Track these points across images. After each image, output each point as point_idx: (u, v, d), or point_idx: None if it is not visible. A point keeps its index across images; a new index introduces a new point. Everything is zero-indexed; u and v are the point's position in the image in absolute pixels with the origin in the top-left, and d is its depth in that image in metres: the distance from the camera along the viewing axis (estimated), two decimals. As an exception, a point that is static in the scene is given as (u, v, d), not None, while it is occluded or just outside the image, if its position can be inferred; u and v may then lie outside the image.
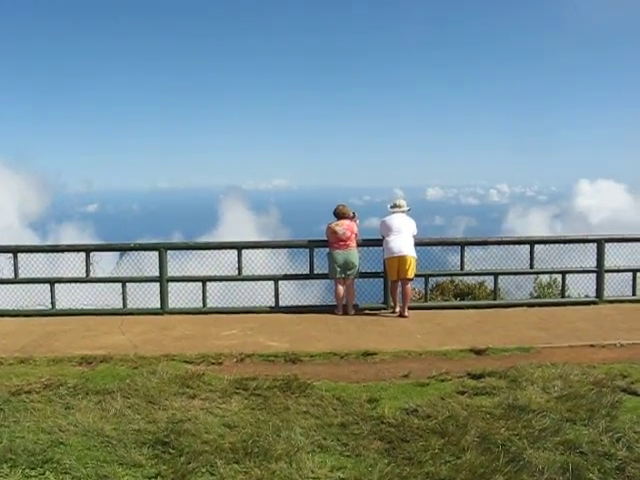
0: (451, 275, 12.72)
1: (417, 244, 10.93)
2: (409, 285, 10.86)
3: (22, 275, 11.53)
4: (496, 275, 11.68)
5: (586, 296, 12.19)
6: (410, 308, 10.94)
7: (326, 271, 11.22)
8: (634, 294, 12.09)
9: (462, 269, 11.52)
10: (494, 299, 11.73)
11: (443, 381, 7.21)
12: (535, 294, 14.40)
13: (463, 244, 11.50)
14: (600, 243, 11.78)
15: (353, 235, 10.97)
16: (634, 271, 12.06)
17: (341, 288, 11.04)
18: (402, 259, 10.61)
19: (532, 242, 11.71)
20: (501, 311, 11.24)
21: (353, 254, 10.93)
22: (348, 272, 10.96)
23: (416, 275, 10.95)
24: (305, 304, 11.62)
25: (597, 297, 11.87)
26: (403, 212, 11.05)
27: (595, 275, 11.94)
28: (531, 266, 11.68)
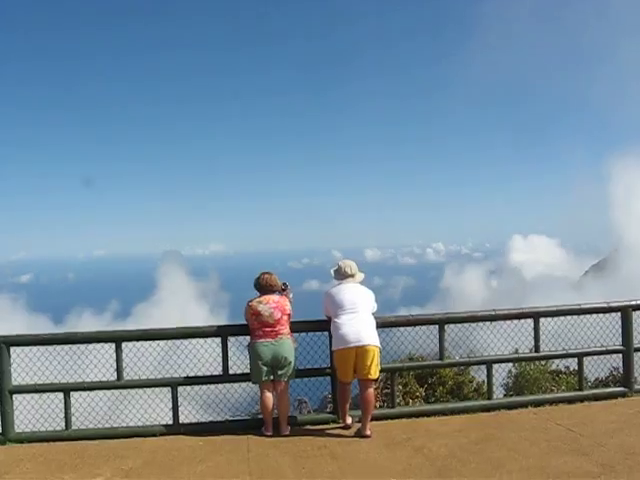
0: (430, 367, 9.14)
1: (379, 326, 7.50)
2: (372, 389, 7.32)
3: None
4: (490, 364, 8.27)
5: (602, 381, 9.08)
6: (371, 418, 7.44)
7: (248, 370, 7.63)
8: (673, 380, 8.89)
9: (442, 358, 8.05)
10: (488, 397, 8.28)
11: None
12: (515, 371, 11.21)
13: (443, 322, 8.02)
14: (625, 312, 8.53)
15: (285, 317, 7.47)
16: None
17: (269, 396, 7.45)
18: (362, 351, 7.10)
19: (536, 314, 8.33)
20: (502, 417, 7.84)
21: (285, 345, 7.39)
22: (279, 372, 7.41)
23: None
24: (218, 419, 7.94)
25: (625, 385, 8.60)
26: (356, 282, 7.61)
27: (621, 355, 8.71)
28: (536, 348, 8.33)
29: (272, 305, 7.41)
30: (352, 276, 7.56)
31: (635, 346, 8.55)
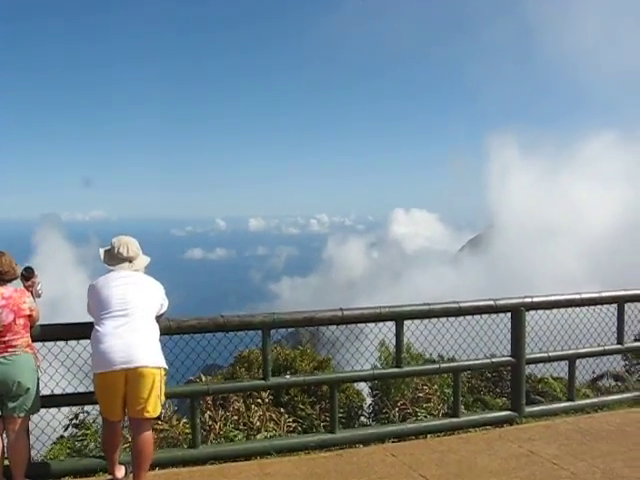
0: (249, 389, 6.60)
1: (168, 332, 5.09)
2: (149, 433, 4.81)
3: None
4: (335, 383, 5.96)
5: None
6: (156, 465, 5.04)
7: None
8: (571, 398, 6.88)
9: (266, 377, 5.65)
10: (331, 430, 5.95)
11: None
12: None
13: (268, 326, 5.59)
14: (517, 312, 6.40)
15: (21, 321, 4.83)
16: (570, 358, 6.86)
17: (-6, 441, 4.88)
18: (134, 376, 4.61)
19: (399, 316, 6.00)
20: (346, 460, 5.53)
21: (20, 363, 4.77)
22: (10, 404, 4.77)
23: (170, 396, 5.07)
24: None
25: (514, 409, 6.50)
26: (136, 270, 5.11)
27: (510, 369, 6.66)
28: (398, 361, 6.07)
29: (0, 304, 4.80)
30: (129, 260, 5.04)
31: (528, 356, 6.47)
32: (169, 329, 5.22)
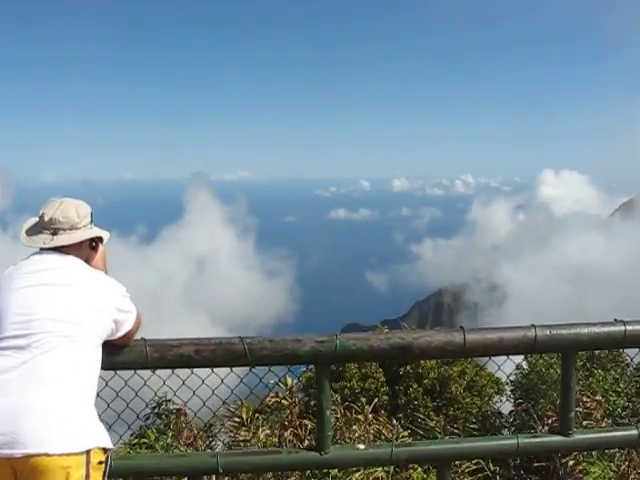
0: None
1: (144, 366, 2.90)
2: None
3: None
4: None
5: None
6: None
7: None
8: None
9: (323, 448, 3.15)
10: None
11: None
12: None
13: (324, 360, 3.09)
14: None
15: None
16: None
17: None
18: (23, 470, 2.24)
19: (567, 347, 3.31)
20: None
21: None
22: None
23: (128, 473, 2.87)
24: None
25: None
26: (66, 253, 2.67)
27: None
28: (564, 428, 3.39)
29: None
30: (52, 230, 2.65)
31: None
32: (145, 360, 2.85)
